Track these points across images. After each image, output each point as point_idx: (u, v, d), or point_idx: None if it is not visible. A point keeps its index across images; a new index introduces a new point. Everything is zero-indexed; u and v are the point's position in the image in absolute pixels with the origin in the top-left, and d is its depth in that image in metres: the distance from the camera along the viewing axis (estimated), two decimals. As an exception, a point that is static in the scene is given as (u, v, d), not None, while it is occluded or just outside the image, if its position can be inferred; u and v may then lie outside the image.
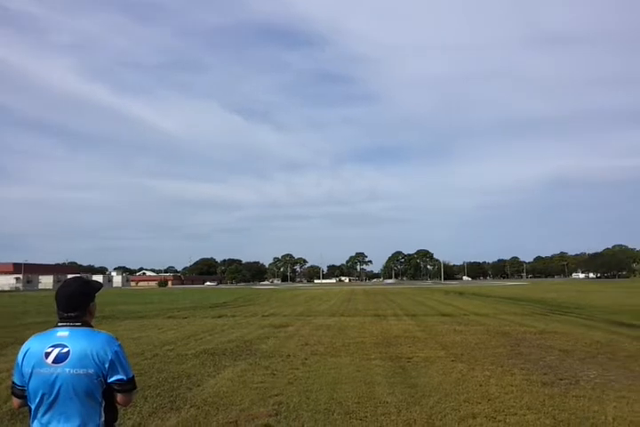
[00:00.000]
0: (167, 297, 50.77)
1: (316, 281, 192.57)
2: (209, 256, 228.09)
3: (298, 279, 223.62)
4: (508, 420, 6.12)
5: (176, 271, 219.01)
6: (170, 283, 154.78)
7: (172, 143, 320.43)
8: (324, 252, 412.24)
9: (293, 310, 26.80)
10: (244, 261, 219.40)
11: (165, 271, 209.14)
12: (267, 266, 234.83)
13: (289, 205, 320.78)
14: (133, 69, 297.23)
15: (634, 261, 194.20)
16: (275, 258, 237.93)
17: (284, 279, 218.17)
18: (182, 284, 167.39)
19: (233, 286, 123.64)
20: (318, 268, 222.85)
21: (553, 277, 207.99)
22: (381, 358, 10.59)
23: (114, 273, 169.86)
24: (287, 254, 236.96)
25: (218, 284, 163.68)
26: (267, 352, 11.59)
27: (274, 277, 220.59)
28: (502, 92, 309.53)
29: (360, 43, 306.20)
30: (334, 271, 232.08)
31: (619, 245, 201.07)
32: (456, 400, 7.02)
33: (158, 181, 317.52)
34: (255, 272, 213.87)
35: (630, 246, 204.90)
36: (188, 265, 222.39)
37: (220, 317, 22.69)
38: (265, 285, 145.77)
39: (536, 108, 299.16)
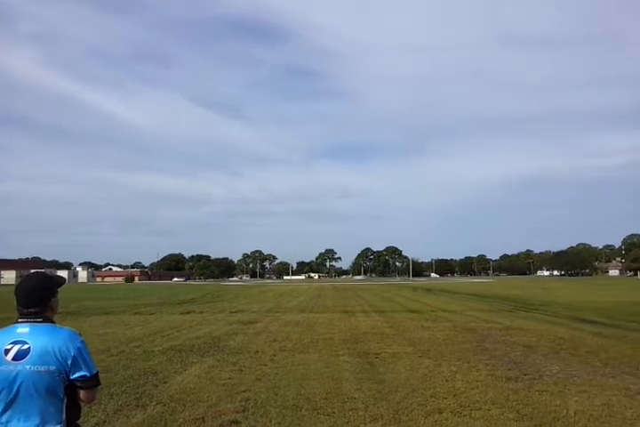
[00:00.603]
0: (134, 293, 50.04)
1: (285, 277, 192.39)
2: (177, 252, 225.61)
3: (267, 276, 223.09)
4: (473, 414, 6.21)
5: (143, 267, 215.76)
6: (137, 279, 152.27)
7: (141, 137, 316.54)
8: (293, 248, 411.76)
9: (262, 307, 26.73)
10: (212, 257, 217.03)
11: (132, 267, 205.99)
12: (236, 262, 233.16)
13: (259, 201, 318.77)
14: (102, 61, 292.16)
15: (596, 260, 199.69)
16: (244, 254, 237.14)
17: (254, 276, 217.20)
18: (149, 279, 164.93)
19: (201, 283, 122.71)
20: (288, 264, 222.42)
21: (519, 274, 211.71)
22: (349, 355, 10.64)
23: (79, 268, 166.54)
24: (256, 251, 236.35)
25: (186, 280, 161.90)
26: (235, 349, 11.52)
27: (243, 274, 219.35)
28: (475, 91, 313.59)
29: (334, 40, 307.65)
30: (304, 268, 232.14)
31: (582, 244, 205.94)
32: (423, 396, 7.09)
33: (127, 175, 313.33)
34: (224, 268, 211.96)
35: (593, 245, 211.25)
36: (155, 261, 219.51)
37: (187, 313, 22.49)
38: (234, 281, 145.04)
39: (507, 109, 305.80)
